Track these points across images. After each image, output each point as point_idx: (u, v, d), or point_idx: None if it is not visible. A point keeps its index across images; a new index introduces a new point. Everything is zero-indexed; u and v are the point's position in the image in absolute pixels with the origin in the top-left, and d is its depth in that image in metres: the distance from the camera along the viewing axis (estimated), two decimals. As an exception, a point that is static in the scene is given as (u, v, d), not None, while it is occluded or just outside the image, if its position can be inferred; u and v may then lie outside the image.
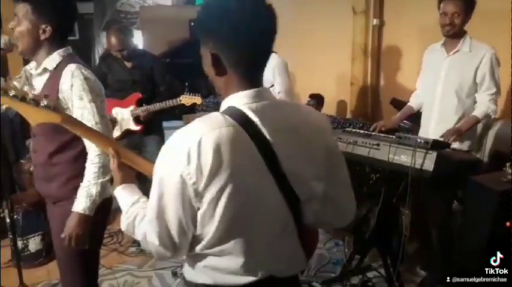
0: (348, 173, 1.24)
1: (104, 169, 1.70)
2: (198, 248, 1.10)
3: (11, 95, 1.29)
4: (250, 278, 1.12)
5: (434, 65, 2.77)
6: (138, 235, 1.15)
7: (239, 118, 1.04)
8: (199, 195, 1.01)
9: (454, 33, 2.59)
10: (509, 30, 2.40)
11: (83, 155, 1.74)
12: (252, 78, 1.09)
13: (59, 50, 1.75)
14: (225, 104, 1.10)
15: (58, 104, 1.35)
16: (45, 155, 1.79)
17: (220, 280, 1.13)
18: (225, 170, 0.99)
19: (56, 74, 1.72)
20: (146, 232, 1.11)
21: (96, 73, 3.70)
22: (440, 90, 2.70)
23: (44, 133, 1.79)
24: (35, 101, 1.30)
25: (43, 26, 1.69)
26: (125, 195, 1.27)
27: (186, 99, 3.29)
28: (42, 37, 1.70)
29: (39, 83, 1.80)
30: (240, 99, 1.07)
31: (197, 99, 3.30)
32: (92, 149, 1.70)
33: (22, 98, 1.29)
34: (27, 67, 1.86)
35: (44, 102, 1.31)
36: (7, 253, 3.07)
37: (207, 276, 1.14)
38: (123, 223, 1.21)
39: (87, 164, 1.71)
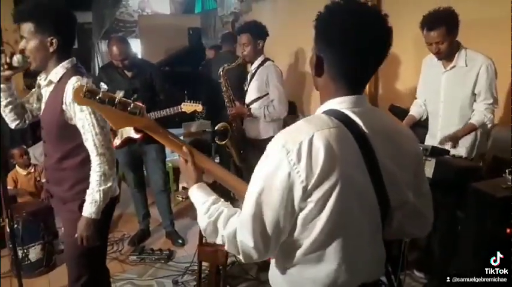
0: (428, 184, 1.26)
1: (105, 176, 1.87)
2: (299, 253, 1.10)
3: (97, 97, 1.26)
4: None
5: (432, 79, 2.84)
6: (224, 233, 1.12)
7: (344, 119, 1.07)
8: (306, 194, 1.01)
9: (446, 57, 2.66)
10: (509, 37, 2.42)
11: (86, 161, 1.88)
12: (354, 86, 1.12)
13: (63, 63, 1.87)
14: (326, 107, 1.13)
15: (143, 109, 1.32)
16: (54, 160, 1.96)
17: None
18: (335, 168, 1.00)
19: (59, 86, 1.85)
20: (236, 231, 1.08)
21: (96, 82, 3.73)
22: (442, 105, 2.79)
23: (50, 141, 1.96)
24: (123, 105, 1.27)
25: (49, 39, 1.80)
26: (202, 194, 1.25)
27: (187, 106, 3.31)
28: (51, 49, 1.82)
29: (46, 94, 1.92)
30: (341, 104, 1.10)
31: (198, 107, 3.32)
32: (94, 159, 1.85)
33: (109, 101, 1.25)
34: (39, 77, 1.99)
35: (131, 106, 1.27)
36: (7, 262, 3.06)
37: None
38: (203, 221, 1.17)
39: (91, 173, 1.86)
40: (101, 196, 1.86)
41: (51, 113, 1.88)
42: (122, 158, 3.60)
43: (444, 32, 2.55)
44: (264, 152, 1.07)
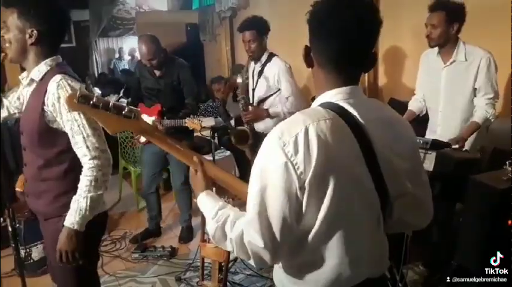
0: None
1: (97, 182, 1.64)
2: (301, 250, 1.09)
3: (91, 103, 1.23)
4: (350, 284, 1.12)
5: (432, 74, 2.83)
6: (232, 236, 1.09)
7: (339, 111, 1.08)
8: (304, 186, 1.01)
9: (437, 44, 2.65)
10: (509, 29, 2.41)
11: (72, 170, 1.70)
12: (346, 76, 1.11)
13: (47, 60, 1.70)
14: (321, 99, 1.13)
15: (139, 113, 1.28)
16: (34, 169, 1.75)
17: None
18: (332, 159, 1.01)
19: (41, 85, 1.68)
20: (244, 233, 1.06)
21: (134, 78, 3.60)
22: (443, 100, 2.78)
23: (31, 147, 1.75)
24: (117, 109, 1.24)
25: (29, 31, 1.64)
26: (210, 200, 1.24)
27: (190, 123, 3.21)
28: (29, 42, 1.66)
29: (26, 94, 1.76)
30: (335, 96, 1.11)
31: (197, 126, 3.18)
32: (86, 162, 1.65)
33: (103, 106, 1.23)
34: (20, 76, 1.83)
35: (126, 110, 1.25)
36: (10, 261, 3.07)
37: None
38: (211, 227, 1.16)
39: (80, 177, 1.66)
40: (88, 203, 1.62)
41: (32, 115, 1.69)
42: (146, 156, 3.52)
43: (442, 17, 2.54)
44: (261, 147, 1.07)
